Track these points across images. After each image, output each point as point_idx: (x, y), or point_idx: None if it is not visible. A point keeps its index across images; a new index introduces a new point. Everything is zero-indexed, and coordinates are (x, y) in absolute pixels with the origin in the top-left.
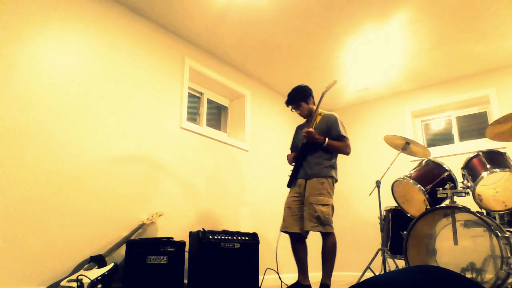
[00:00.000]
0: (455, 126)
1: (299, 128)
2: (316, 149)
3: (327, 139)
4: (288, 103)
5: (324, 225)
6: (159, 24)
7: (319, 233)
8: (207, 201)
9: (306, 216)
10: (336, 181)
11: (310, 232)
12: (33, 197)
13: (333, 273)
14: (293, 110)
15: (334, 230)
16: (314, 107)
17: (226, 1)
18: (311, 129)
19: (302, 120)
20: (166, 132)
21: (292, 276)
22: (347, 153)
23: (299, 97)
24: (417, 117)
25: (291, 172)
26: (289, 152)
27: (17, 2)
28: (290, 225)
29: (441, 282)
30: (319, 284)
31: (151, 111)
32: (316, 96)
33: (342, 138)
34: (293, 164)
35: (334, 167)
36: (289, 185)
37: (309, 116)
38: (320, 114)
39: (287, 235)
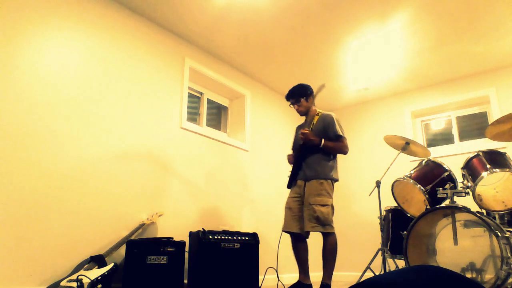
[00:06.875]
0: (455, 126)
1: (298, 128)
2: (315, 150)
3: (323, 140)
4: (288, 97)
5: (324, 225)
6: (159, 24)
7: (319, 233)
8: (207, 201)
9: (306, 216)
10: (337, 180)
11: (311, 232)
12: (33, 197)
13: (333, 273)
14: (292, 105)
15: (334, 230)
16: (313, 107)
17: (226, 1)
18: (307, 130)
19: (302, 120)
20: (166, 132)
21: (291, 276)
22: (344, 152)
23: (299, 93)
24: (417, 117)
25: (290, 172)
26: (290, 152)
27: (16, 2)
28: (290, 225)
29: (441, 282)
30: (320, 284)
31: (151, 111)
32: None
33: (339, 138)
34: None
35: (333, 167)
36: (289, 186)
37: (306, 114)
38: (317, 114)
39: (288, 235)
